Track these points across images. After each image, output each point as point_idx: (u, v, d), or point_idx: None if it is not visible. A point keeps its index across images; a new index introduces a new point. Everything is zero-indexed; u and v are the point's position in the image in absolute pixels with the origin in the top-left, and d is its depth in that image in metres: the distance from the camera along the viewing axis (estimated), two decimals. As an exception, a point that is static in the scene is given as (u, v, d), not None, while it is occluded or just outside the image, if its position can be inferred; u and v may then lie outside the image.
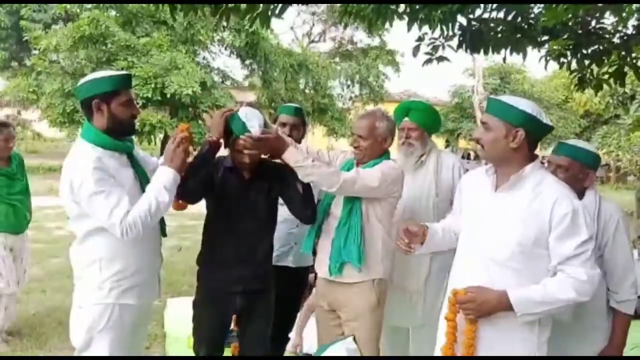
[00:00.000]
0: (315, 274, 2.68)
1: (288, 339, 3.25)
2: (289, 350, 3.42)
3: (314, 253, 2.66)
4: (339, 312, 2.51)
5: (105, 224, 2.03)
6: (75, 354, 2.18)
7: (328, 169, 2.35)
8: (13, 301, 3.76)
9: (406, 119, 2.85)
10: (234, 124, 2.29)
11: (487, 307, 1.83)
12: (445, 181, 2.82)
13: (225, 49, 14.49)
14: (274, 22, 3.91)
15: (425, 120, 2.86)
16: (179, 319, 3.64)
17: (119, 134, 2.16)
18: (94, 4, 12.21)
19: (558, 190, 1.86)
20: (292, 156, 2.30)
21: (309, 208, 2.44)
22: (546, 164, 2.36)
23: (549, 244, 1.83)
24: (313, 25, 21.87)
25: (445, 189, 2.82)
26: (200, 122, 13.49)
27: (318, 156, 2.63)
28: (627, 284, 2.24)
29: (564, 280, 1.82)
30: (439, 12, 3.45)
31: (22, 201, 3.66)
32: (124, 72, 2.23)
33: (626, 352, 3.99)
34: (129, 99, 2.15)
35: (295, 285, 3.05)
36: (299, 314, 3.42)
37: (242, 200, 2.38)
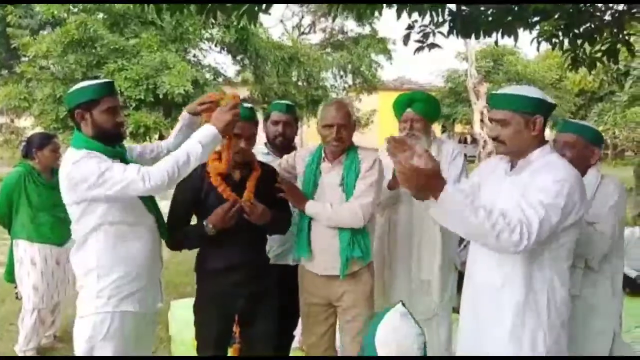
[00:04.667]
0: None
1: (293, 337, 3.24)
2: (295, 347, 3.42)
3: None
4: (335, 302, 2.54)
5: (124, 186, 1.98)
6: None
7: (345, 207, 2.40)
8: (48, 315, 3.76)
9: (409, 110, 2.83)
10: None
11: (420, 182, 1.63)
12: (446, 169, 2.82)
13: (216, 45, 14.32)
14: (263, 16, 3.87)
15: (429, 110, 2.86)
16: (184, 322, 3.63)
17: (106, 142, 2.14)
18: (81, 9, 12.07)
19: (553, 163, 1.82)
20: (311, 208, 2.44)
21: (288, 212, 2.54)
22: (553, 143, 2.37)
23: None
24: (302, 17, 21.73)
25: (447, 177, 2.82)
26: (194, 120, 13.38)
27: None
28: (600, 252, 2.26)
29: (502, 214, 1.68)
30: (428, -2, 3.42)
31: (66, 212, 3.70)
32: (105, 80, 2.23)
33: (632, 331, 4.00)
34: (110, 107, 2.13)
35: (296, 282, 3.03)
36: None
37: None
